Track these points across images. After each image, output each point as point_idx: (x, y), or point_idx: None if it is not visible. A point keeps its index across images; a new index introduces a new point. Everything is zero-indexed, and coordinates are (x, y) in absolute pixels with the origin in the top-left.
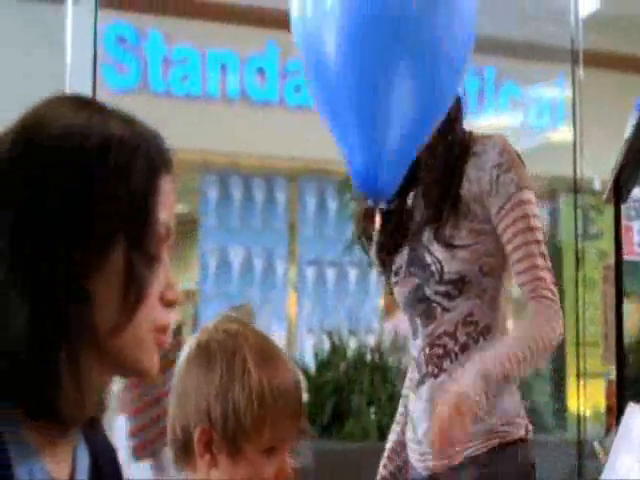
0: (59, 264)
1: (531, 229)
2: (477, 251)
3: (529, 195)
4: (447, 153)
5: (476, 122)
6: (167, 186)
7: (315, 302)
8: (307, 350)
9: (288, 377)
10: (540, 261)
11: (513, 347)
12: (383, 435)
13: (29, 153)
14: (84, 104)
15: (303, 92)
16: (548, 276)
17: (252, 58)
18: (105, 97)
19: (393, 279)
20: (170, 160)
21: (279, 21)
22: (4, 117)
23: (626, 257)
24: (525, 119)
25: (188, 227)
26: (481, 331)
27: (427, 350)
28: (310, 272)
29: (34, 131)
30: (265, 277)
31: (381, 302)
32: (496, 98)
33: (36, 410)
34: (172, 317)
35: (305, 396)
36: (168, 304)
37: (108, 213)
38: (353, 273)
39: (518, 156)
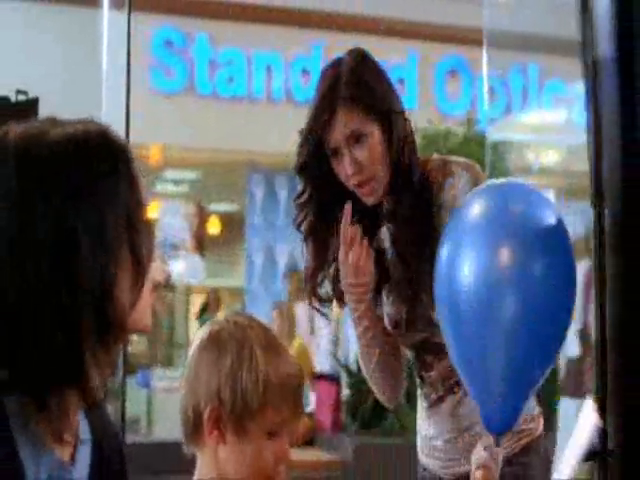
0: (96, 267)
1: None
2: None
3: None
4: (412, 201)
5: (520, 120)
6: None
7: None
8: (351, 348)
9: (290, 364)
10: None
11: None
12: None
13: (32, 173)
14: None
15: None
16: None
17: (297, 59)
18: (153, 100)
19: (391, 329)
20: (125, 146)
21: (323, 22)
22: None
23: None
24: (570, 116)
25: (235, 226)
26: None
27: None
28: None
29: (28, 151)
30: None
31: None
32: (540, 95)
33: (67, 385)
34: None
35: (347, 392)
36: (155, 285)
37: (114, 203)
38: None
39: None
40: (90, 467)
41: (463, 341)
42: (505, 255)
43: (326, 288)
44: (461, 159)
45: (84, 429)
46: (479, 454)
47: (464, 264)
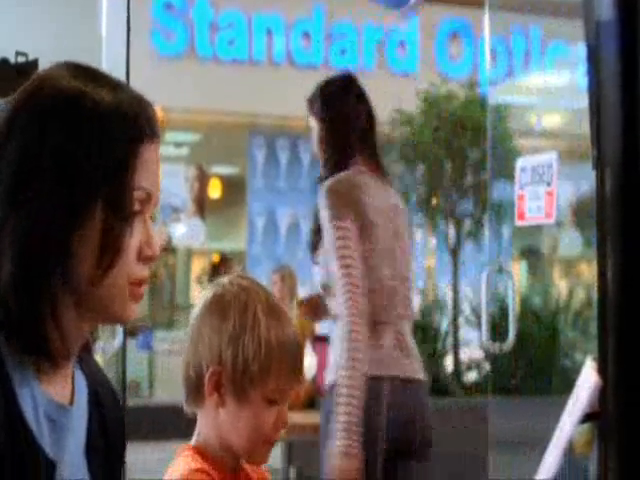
0: (42, 220)
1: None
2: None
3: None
4: None
5: (522, 83)
6: (151, 154)
7: None
8: None
9: (290, 331)
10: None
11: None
12: None
13: (25, 113)
14: (80, 72)
15: (348, 55)
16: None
17: (298, 22)
18: (154, 63)
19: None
20: (156, 130)
21: None
22: None
23: (518, 223)
24: (572, 78)
25: (236, 189)
26: None
27: None
28: None
29: (33, 94)
30: None
31: (426, 262)
32: (542, 58)
33: (27, 348)
34: (147, 272)
35: None
36: (145, 260)
37: (89, 174)
38: None
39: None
40: (89, 412)
41: None
42: None
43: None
44: None
45: (78, 377)
46: None
47: None
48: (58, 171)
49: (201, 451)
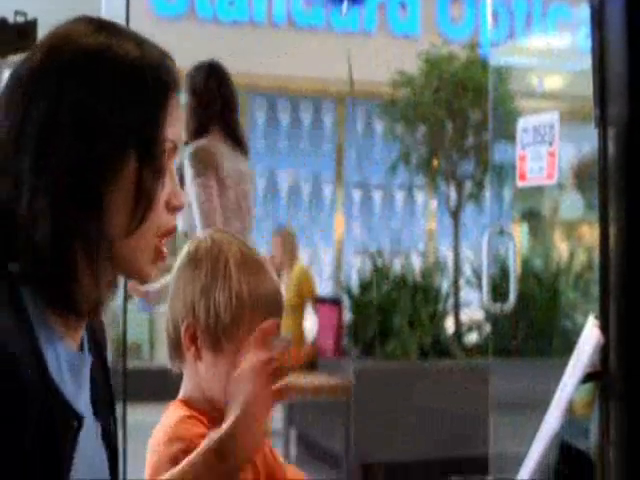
0: (76, 173)
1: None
2: None
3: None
4: None
5: (524, 44)
6: (175, 105)
7: (361, 224)
8: (354, 271)
9: (267, 284)
10: None
11: None
12: (424, 354)
13: (53, 68)
14: (103, 26)
15: (349, 16)
16: None
17: None
18: (153, 24)
19: None
20: (178, 81)
21: None
22: None
23: (520, 183)
24: (574, 41)
25: None
26: None
27: None
28: (357, 194)
29: (57, 50)
30: (312, 200)
31: (427, 225)
32: (544, 20)
33: (58, 302)
34: (174, 222)
35: (349, 316)
36: (173, 210)
37: (122, 127)
38: (399, 195)
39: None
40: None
41: None
42: None
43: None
44: None
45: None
46: None
47: None
48: (89, 124)
49: (187, 404)
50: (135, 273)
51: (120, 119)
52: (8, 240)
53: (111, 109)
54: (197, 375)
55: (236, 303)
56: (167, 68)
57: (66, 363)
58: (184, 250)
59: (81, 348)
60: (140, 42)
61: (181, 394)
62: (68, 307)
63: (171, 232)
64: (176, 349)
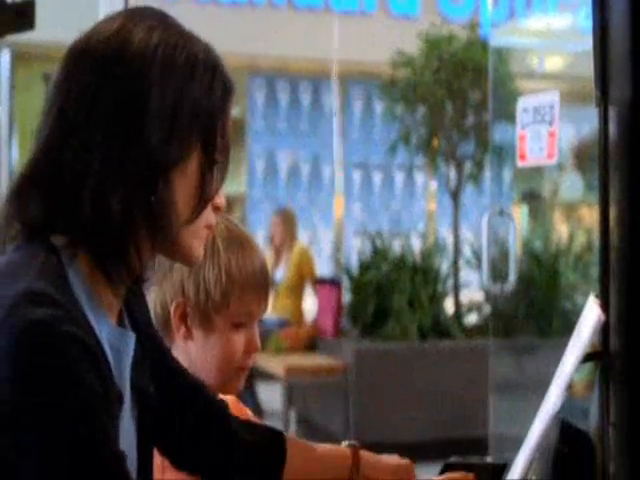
0: (152, 157)
1: None
2: None
3: None
4: None
5: (524, 24)
6: (232, 106)
7: (361, 205)
8: (353, 252)
9: (254, 259)
10: None
11: None
12: (423, 335)
13: (120, 60)
14: (167, 21)
15: None
16: None
17: None
18: (152, 5)
19: None
20: (234, 86)
21: None
22: (45, 33)
23: (521, 163)
24: (575, 21)
25: (236, 131)
26: None
27: None
28: (356, 175)
29: (130, 37)
30: (312, 180)
31: (426, 205)
32: (544, 0)
33: (115, 274)
34: (215, 220)
35: (348, 297)
36: (216, 208)
37: (194, 119)
38: (399, 176)
39: None
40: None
41: None
42: None
43: None
44: None
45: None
46: None
47: None
48: (165, 108)
49: None
50: (189, 259)
51: (193, 109)
52: (69, 209)
53: (187, 97)
54: (188, 355)
55: (225, 279)
56: (228, 73)
57: (108, 340)
58: None
59: (120, 325)
60: (204, 43)
61: None
62: (122, 279)
63: (213, 227)
64: (165, 330)
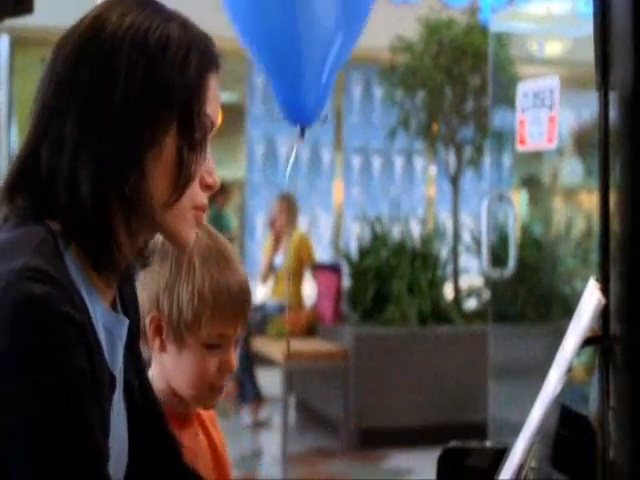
0: (123, 140)
1: None
2: None
3: None
4: None
5: (524, 11)
6: (214, 84)
7: (361, 190)
8: (353, 237)
9: (231, 278)
10: None
11: None
12: (423, 320)
13: (95, 43)
14: (147, 5)
15: None
16: None
17: None
18: None
19: None
20: (218, 61)
21: None
22: (44, 17)
23: (521, 148)
24: (574, 6)
25: (236, 116)
26: None
27: None
28: (356, 160)
29: (103, 24)
30: (311, 166)
31: (426, 190)
32: None
33: (97, 259)
34: (206, 199)
35: (347, 282)
36: (206, 188)
37: (166, 100)
38: (398, 161)
39: None
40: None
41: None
42: None
43: None
44: None
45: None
46: None
47: None
48: (136, 89)
49: None
50: (178, 241)
51: (165, 89)
52: (49, 199)
53: (158, 78)
54: (162, 366)
55: (198, 300)
56: (209, 48)
57: (101, 323)
58: (155, 240)
59: (114, 309)
60: (183, 21)
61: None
62: (107, 266)
63: (204, 208)
64: (144, 338)
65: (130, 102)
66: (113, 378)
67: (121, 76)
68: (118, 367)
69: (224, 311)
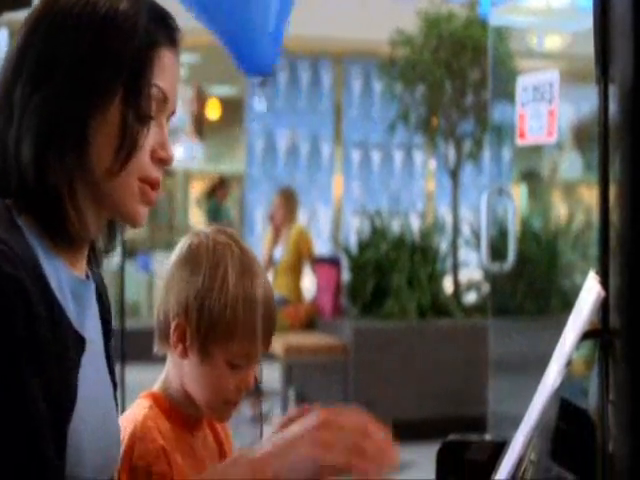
0: (63, 111)
1: None
2: None
3: None
4: None
5: (524, 4)
6: (169, 60)
7: (360, 184)
8: (352, 231)
9: (261, 291)
10: None
11: None
12: (422, 314)
13: (47, 15)
14: None
15: None
16: None
17: None
18: None
19: None
20: (174, 37)
21: None
22: None
23: (520, 142)
24: (574, 0)
25: (235, 110)
26: None
27: None
28: (355, 154)
29: (53, 3)
30: (311, 159)
31: (425, 184)
32: None
33: (46, 225)
34: (159, 174)
35: (347, 276)
36: (158, 162)
37: (111, 68)
38: (398, 155)
39: None
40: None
41: None
42: None
43: None
44: None
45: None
46: None
47: None
48: (79, 62)
49: (161, 398)
50: (124, 214)
51: (111, 57)
52: (2, 173)
53: (104, 46)
54: (180, 371)
55: (230, 314)
56: (160, 21)
57: (68, 287)
58: (184, 244)
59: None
60: None
61: (160, 384)
62: (59, 237)
63: (154, 183)
64: (163, 338)
65: (75, 68)
66: (82, 340)
67: (69, 44)
68: (90, 329)
69: (253, 323)
